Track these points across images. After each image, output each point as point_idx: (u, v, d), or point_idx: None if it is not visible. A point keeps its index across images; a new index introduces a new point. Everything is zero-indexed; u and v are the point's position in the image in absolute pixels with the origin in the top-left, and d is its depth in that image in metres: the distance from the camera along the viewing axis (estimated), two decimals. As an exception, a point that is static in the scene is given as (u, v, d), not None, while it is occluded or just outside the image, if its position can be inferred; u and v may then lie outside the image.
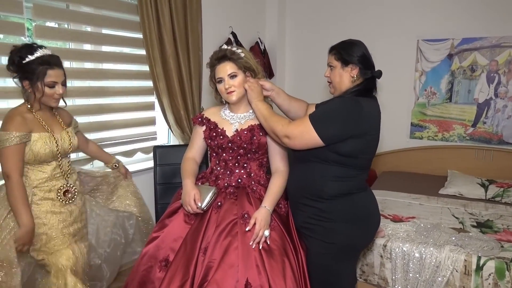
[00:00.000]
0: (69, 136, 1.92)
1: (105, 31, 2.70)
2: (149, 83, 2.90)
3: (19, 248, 1.74)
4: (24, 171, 1.81)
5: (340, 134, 1.57)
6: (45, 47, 1.79)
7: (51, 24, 2.43)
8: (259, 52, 3.87)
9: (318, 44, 4.21)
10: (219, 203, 1.73)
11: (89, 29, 2.62)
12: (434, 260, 2.18)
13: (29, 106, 1.81)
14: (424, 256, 2.21)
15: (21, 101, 2.10)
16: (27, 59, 1.71)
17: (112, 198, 2.30)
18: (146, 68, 2.83)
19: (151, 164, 2.98)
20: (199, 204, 1.68)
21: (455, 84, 3.76)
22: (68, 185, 1.90)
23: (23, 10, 2.17)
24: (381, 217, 1.85)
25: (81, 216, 1.98)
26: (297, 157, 1.76)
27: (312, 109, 1.85)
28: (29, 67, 1.72)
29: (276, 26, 4.25)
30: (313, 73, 4.15)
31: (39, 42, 2.27)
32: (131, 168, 2.88)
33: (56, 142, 1.83)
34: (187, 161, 1.87)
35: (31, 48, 1.74)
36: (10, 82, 2.30)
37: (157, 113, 3.10)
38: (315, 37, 4.32)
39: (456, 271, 2.14)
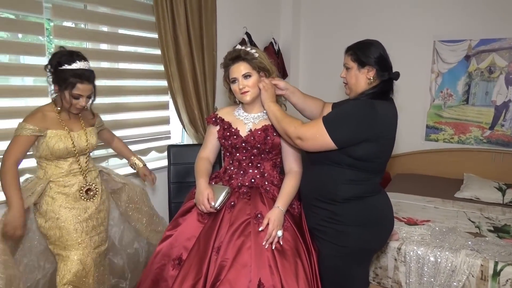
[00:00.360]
0: (86, 135, 1.96)
1: (121, 31, 2.73)
2: (163, 83, 2.92)
3: (10, 232, 1.75)
4: (43, 165, 1.90)
5: (354, 138, 1.55)
6: (85, 60, 1.86)
7: (68, 24, 2.47)
8: (273, 52, 3.87)
9: (333, 44, 4.18)
10: (232, 203, 1.73)
11: (105, 29, 2.65)
12: (449, 265, 2.14)
13: (58, 108, 1.88)
14: (439, 260, 2.18)
15: (39, 99, 2.21)
16: (63, 67, 1.79)
17: (129, 211, 2.28)
18: (161, 67, 2.85)
19: (165, 163, 3.00)
20: (213, 204, 1.69)
21: (472, 86, 3.70)
22: (88, 183, 1.95)
23: (43, 10, 2.21)
24: (395, 220, 1.82)
25: (98, 214, 2.00)
26: (311, 159, 1.75)
27: (328, 109, 1.83)
28: (63, 75, 1.79)
29: (291, 26, 4.24)
30: (327, 74, 4.12)
31: (56, 42, 2.32)
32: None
33: (72, 140, 1.88)
34: (201, 161, 1.87)
35: (71, 57, 1.81)
36: (28, 81, 2.36)
37: (171, 112, 3.12)
38: (329, 37, 4.29)
39: (472, 276, 2.10)
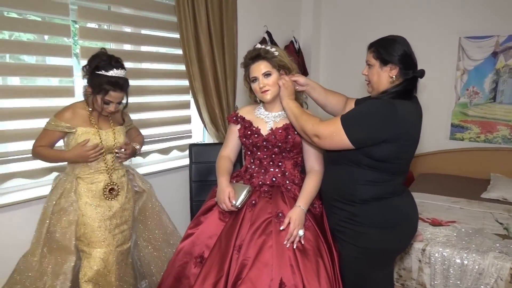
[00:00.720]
0: (114, 134, 2.01)
1: (144, 31, 2.77)
2: (185, 82, 2.95)
3: (90, 159, 1.91)
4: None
5: (371, 138, 1.52)
6: (123, 68, 1.91)
7: (92, 25, 2.52)
8: (294, 51, 3.84)
9: (354, 42, 4.13)
10: (253, 202, 1.73)
11: (128, 30, 2.69)
12: (476, 267, 2.08)
13: (90, 109, 1.95)
14: (465, 262, 2.12)
15: (64, 99, 2.28)
16: (100, 72, 1.85)
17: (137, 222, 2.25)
18: (182, 67, 2.87)
19: (186, 161, 3.03)
20: (234, 202, 1.69)
21: (500, 83, 3.58)
22: (112, 183, 1.99)
23: (69, 12, 2.26)
24: (419, 220, 1.77)
25: (122, 213, 2.04)
26: (330, 159, 1.73)
27: (351, 104, 1.80)
28: (98, 80, 1.85)
29: (311, 25, 4.20)
30: (349, 72, 4.07)
31: (81, 43, 2.37)
32: (167, 165, 2.98)
33: (100, 138, 1.94)
34: (222, 159, 1.88)
35: (110, 63, 1.86)
36: (55, 82, 2.42)
37: (192, 111, 3.14)
38: (350, 35, 4.24)
39: (501, 279, 2.03)
